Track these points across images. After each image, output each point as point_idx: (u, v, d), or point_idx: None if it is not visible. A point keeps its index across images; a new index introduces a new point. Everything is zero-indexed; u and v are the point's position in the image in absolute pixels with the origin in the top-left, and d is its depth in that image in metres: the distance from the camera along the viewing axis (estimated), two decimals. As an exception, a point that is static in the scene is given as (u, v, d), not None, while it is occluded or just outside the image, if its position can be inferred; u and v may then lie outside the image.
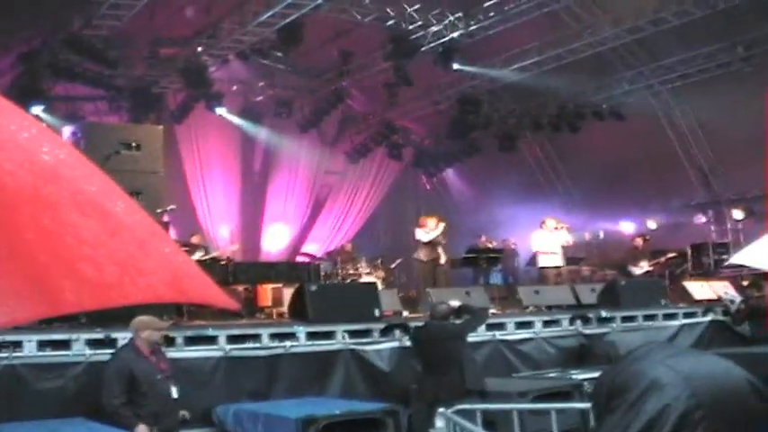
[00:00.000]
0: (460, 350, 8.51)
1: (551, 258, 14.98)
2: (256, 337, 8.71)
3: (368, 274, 15.51)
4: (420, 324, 9.24)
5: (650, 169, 20.76)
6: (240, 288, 12.59)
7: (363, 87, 22.78)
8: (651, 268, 16.68)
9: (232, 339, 8.50)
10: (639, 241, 17.61)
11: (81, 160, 2.09)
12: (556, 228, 14.92)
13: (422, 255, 14.01)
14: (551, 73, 19.74)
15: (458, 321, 9.05)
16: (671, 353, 2.92)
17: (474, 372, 8.45)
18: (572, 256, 16.53)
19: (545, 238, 15.02)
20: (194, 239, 14.64)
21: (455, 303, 9.04)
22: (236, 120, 21.65)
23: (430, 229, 14.08)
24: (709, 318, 12.67)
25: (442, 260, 14.08)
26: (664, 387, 2.60)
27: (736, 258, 6.26)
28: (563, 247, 15.24)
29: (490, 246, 17.81)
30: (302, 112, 22.21)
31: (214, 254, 14.08)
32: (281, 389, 8.57)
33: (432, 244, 14.00)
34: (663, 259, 17.01)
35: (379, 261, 16.55)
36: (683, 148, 21.17)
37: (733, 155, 19.58)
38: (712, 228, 21.15)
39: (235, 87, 21.24)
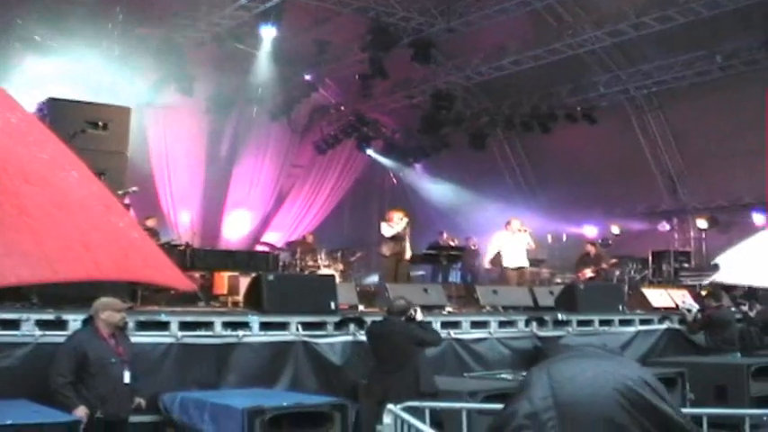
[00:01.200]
0: (415, 350, 8.44)
1: (515, 259, 15.08)
2: (209, 325, 8.66)
3: (327, 266, 15.47)
4: (377, 319, 9.17)
5: (618, 174, 21.06)
6: (197, 275, 12.52)
7: (337, 77, 22.84)
8: (593, 275, 16.91)
9: (185, 326, 8.45)
10: (590, 248, 17.79)
11: (36, 126, 2.01)
12: (519, 230, 14.99)
13: (385, 249, 14.02)
14: (528, 72, 19.88)
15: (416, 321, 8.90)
16: (567, 356, 3.05)
17: (429, 376, 8.40)
18: (533, 258, 16.70)
19: (507, 239, 15.12)
20: (149, 223, 14.56)
21: (419, 316, 8.78)
22: (206, 104, 21.61)
23: (395, 224, 14.10)
24: (664, 326, 12.81)
25: (407, 255, 14.10)
26: (530, 387, 2.78)
27: (723, 276, 6.31)
28: (526, 249, 15.35)
29: (451, 243, 18.07)
30: (273, 99, 22.16)
31: (171, 239, 14.03)
32: (231, 379, 8.55)
33: (396, 239, 13.97)
34: (604, 266, 17.22)
35: (339, 254, 16.53)
36: (652, 153, 21.41)
37: (701, 164, 20.00)
38: (675, 236, 21.38)
39: (207, 71, 21.04)
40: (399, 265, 14.02)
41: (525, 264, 15.09)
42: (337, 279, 12.43)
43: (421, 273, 19.03)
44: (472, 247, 19.33)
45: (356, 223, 24.97)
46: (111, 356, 7.05)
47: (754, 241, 8.37)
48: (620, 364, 2.96)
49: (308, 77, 21.52)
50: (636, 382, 2.77)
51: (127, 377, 7.12)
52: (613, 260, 17.64)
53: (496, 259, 15.91)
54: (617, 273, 17.07)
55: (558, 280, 17.32)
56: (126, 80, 18.81)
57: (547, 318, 11.71)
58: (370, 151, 25.11)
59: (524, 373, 8.77)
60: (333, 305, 9.82)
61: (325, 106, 24.26)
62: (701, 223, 19.83)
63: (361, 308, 11.30)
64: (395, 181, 26.51)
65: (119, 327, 7.29)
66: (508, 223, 15.18)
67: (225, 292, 12.64)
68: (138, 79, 19.26)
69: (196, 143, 22.15)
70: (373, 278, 18.15)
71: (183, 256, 12.40)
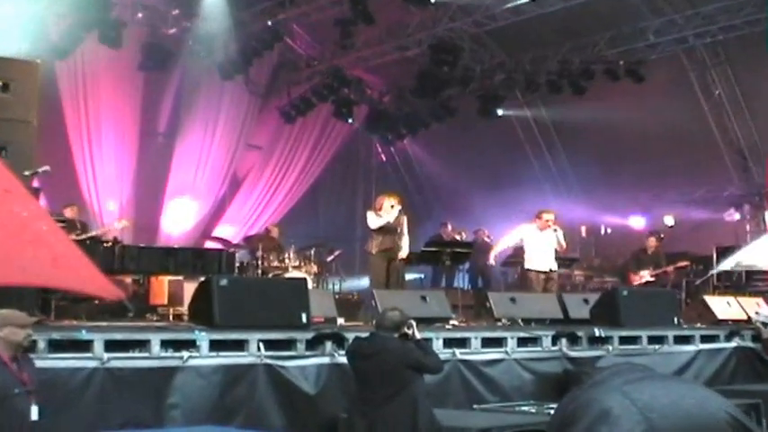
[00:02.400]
0: (412, 377, 8.45)
1: (541, 260, 15.08)
2: (144, 345, 8.63)
3: (296, 267, 15.50)
4: (362, 336, 9.17)
5: (673, 149, 21.10)
6: (128, 280, 12.65)
7: (309, 24, 22.80)
8: (653, 279, 16.93)
9: (112, 346, 8.40)
10: (653, 241, 17.72)
11: None
12: (550, 225, 14.99)
13: (372, 246, 14.05)
14: (555, 16, 19.76)
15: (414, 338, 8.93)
16: (634, 377, 3.02)
17: (428, 409, 8.43)
18: (562, 256, 16.79)
19: (534, 235, 15.13)
20: (68, 212, 14.52)
21: (416, 332, 8.82)
22: (139, 59, 21.32)
23: (385, 213, 14.12)
24: (733, 344, 12.94)
25: (401, 254, 14.11)
26: (614, 419, 2.70)
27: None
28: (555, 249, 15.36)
29: (457, 238, 18.20)
30: (226, 51, 21.91)
31: (95, 232, 13.98)
32: (173, 415, 8.51)
33: (386, 232, 14.00)
34: (670, 268, 17.20)
35: (313, 252, 16.58)
36: (718, 122, 21.46)
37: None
38: (748, 227, 21.22)
39: (140, 15, 20.94)
40: (391, 267, 14.03)
41: (554, 266, 15.15)
42: (310, 284, 12.65)
43: (418, 276, 19.43)
44: (485, 241, 19.44)
45: (334, 213, 25.11)
46: (13, 386, 6.89)
47: None
48: (705, 389, 2.99)
49: (270, 23, 21.29)
50: (737, 412, 2.78)
51: (34, 413, 6.95)
52: (684, 263, 17.66)
53: (511, 258, 16.04)
54: (673, 274, 17.20)
55: (596, 285, 17.61)
56: (33, 25, 18.42)
57: (580, 333, 11.78)
58: (351, 120, 25.03)
59: (553, 405, 8.80)
60: (304, 318, 9.86)
61: (293, 61, 24.26)
62: (781, 211, 19.81)
63: (340, 321, 11.41)
64: (384, 158, 26.64)
65: (23, 347, 7.14)
66: (539, 215, 15.16)
67: (164, 301, 12.74)
68: (48, 24, 18.91)
69: (126, 110, 21.91)
70: (357, 283, 18.48)
71: (111, 256, 12.40)
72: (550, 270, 14.99)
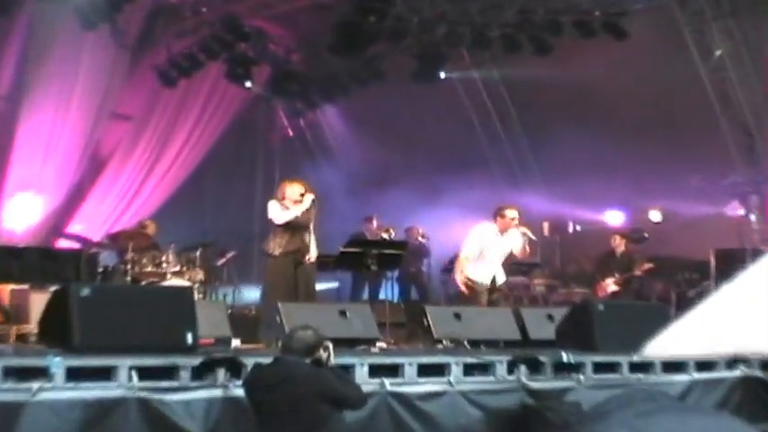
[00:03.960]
0: (328, 413, 8.54)
1: (488, 268, 15.17)
2: (-23, 375, 8.57)
3: (178, 274, 15.62)
4: (263, 362, 9.20)
5: (661, 125, 21.33)
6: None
7: (194, -43, 22.65)
8: (618, 287, 17.37)
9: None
10: (618, 240, 18.12)
11: None
12: (513, 224, 15.05)
13: (274, 245, 14.14)
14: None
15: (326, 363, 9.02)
16: (646, 409, 3.15)
17: None
18: (519, 261, 16.96)
19: (493, 239, 15.17)
20: None
21: (332, 358, 8.92)
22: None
23: (292, 202, 14.27)
24: (737, 372, 13.01)
25: (311, 256, 14.23)
26: None
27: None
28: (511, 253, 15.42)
29: (385, 236, 18.23)
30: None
31: None
32: (20, 463, 8.40)
33: (293, 229, 14.16)
34: (637, 272, 17.68)
35: (198, 253, 16.62)
36: (718, 90, 21.61)
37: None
38: (753, 224, 21.36)
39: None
40: (299, 272, 14.15)
41: (502, 277, 15.26)
42: (196, 295, 12.68)
43: (333, 285, 19.73)
44: (420, 241, 19.60)
45: (227, 203, 25.17)
46: None
47: None
48: (732, 419, 3.11)
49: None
50: None
51: None
52: (648, 264, 17.93)
53: (452, 264, 16.05)
54: (658, 285, 17.74)
55: (562, 297, 17.98)
56: None
57: (543, 359, 11.78)
58: (250, 83, 25.03)
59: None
60: (189, 338, 9.95)
61: (174, 6, 24.00)
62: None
63: (236, 343, 11.64)
64: (291, 132, 26.91)
65: None
66: (500, 213, 15.21)
67: (1, 319, 12.59)
68: None
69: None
70: (256, 294, 17.99)
71: None
72: (495, 281, 15.07)
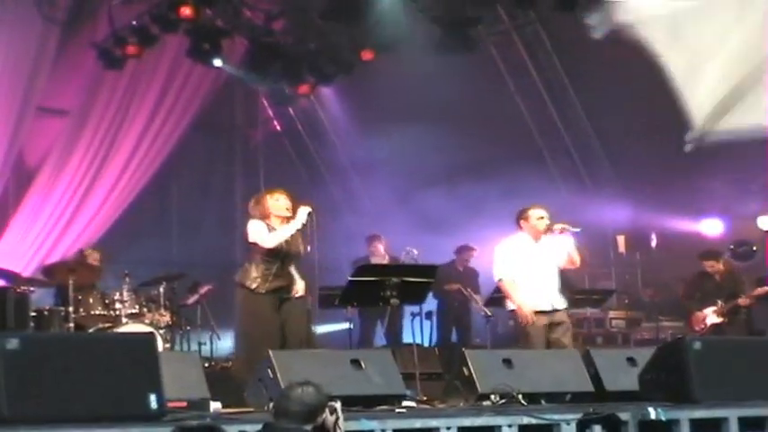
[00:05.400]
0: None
1: (539, 294, 15.09)
2: None
3: (135, 316, 15.95)
4: (251, 431, 9.39)
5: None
6: None
7: None
8: (721, 320, 17.52)
9: None
10: (712, 265, 18.15)
11: None
12: (548, 226, 15.12)
13: (255, 277, 14.21)
14: None
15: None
16: None
17: None
18: (590, 287, 17.39)
19: (524, 250, 15.20)
20: None
21: (341, 423, 8.85)
22: None
23: (278, 217, 14.41)
24: None
25: (298, 289, 14.50)
26: None
27: None
28: (561, 270, 15.55)
29: (404, 261, 18.24)
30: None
31: None
32: None
33: (283, 255, 14.31)
34: (743, 301, 17.73)
35: (162, 289, 16.82)
36: None
37: None
38: None
39: None
40: (289, 312, 14.38)
41: (560, 303, 15.22)
42: (161, 344, 13.35)
43: (342, 327, 18.99)
44: (466, 265, 20.03)
45: (197, 222, 25.23)
46: None
47: None
48: None
49: None
50: None
51: None
52: (761, 288, 17.88)
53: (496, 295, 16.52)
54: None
55: (646, 334, 18.15)
56: None
57: (624, 416, 11.49)
58: (220, 62, 24.78)
59: None
60: (153, 402, 9.83)
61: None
62: None
63: (215, 406, 11.72)
64: (278, 126, 27.02)
65: None
66: (524, 216, 15.34)
67: None
68: None
69: None
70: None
71: None
72: (555, 309, 15.05)
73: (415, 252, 18.81)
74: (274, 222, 14.32)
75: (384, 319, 19.45)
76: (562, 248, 15.08)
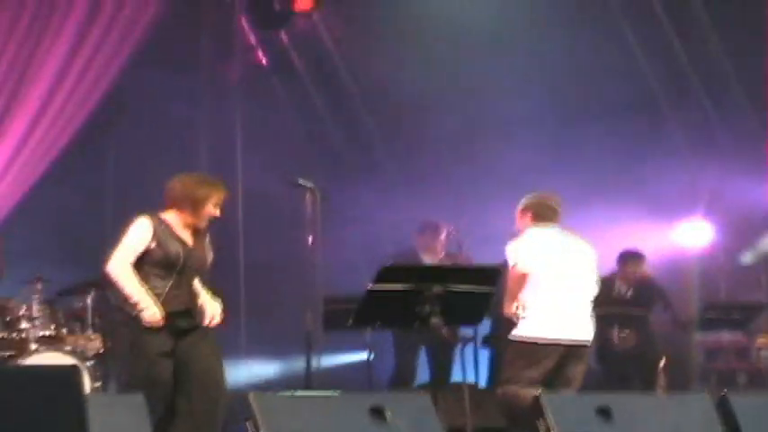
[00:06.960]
0: None
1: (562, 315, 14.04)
2: None
3: (50, 340, 15.43)
4: None
5: None
6: None
7: None
8: None
9: None
10: None
11: None
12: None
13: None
14: None
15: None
16: None
17: None
18: (729, 301, 17.93)
19: (555, 249, 14.11)
20: None
21: None
22: None
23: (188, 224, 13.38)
24: None
25: (214, 314, 13.18)
26: None
27: None
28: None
29: (459, 262, 17.63)
30: None
31: None
32: None
33: (181, 269, 13.03)
34: None
35: (90, 299, 16.18)
36: None
37: None
38: None
39: None
40: (194, 348, 12.96)
41: (585, 335, 14.11)
42: (88, 382, 13.66)
43: (360, 358, 19.11)
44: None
45: (140, 202, 20.37)
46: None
47: None
48: None
49: None
50: None
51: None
52: None
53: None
54: None
55: None
56: None
57: None
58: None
59: None
60: None
61: None
62: None
63: None
64: (263, 60, 24.56)
65: None
66: (526, 207, 14.75)
67: None
68: None
69: None
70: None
71: None
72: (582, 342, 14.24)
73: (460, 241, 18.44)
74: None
75: (432, 348, 17.89)
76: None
